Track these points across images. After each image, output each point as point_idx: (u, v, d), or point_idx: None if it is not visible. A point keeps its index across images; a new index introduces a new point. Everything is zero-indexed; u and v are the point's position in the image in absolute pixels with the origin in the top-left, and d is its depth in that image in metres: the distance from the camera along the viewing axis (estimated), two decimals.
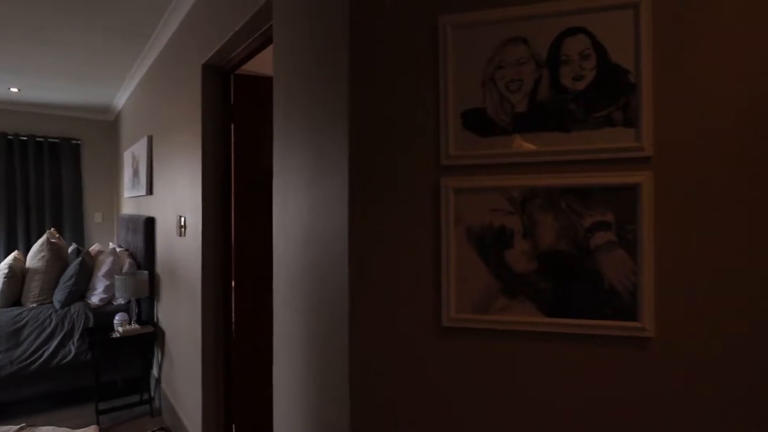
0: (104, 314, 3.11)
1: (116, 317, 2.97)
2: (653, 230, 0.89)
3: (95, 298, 3.16)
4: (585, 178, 0.94)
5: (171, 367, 2.83)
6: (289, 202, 1.39)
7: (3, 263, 3.05)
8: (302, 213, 1.30)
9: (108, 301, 3.22)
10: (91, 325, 3.00)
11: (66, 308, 3.01)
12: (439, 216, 1.01)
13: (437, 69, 1.01)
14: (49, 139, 5.05)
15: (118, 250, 3.67)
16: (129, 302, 3.11)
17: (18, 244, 4.83)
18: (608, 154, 0.92)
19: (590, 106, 0.93)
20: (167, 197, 2.85)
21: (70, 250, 3.78)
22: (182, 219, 2.49)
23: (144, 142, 3.40)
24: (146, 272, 3.07)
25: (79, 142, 5.25)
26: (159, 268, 3.13)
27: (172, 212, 2.75)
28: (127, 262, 3.28)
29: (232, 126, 2.23)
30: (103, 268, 3.19)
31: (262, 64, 2.68)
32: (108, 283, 3.18)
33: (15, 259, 3.22)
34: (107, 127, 5.46)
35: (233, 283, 2.26)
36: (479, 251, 1.00)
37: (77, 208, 5.23)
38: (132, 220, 3.72)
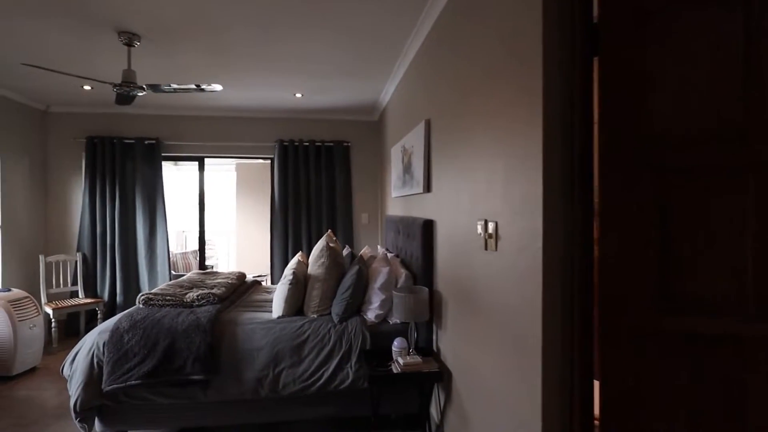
0: (380, 334, 2.63)
1: (395, 343, 2.42)
2: None
3: (371, 314, 2.72)
4: None
5: (462, 422, 2.09)
6: None
7: (288, 268, 2.92)
8: None
9: (383, 318, 2.75)
10: (367, 346, 2.55)
11: (344, 323, 2.64)
12: None
13: None
14: (326, 143, 5.25)
15: (389, 255, 3.24)
16: (407, 324, 2.53)
17: (303, 243, 5.15)
18: None
19: None
20: (457, 195, 2.13)
21: (345, 253, 3.57)
22: (489, 225, 1.68)
23: (420, 129, 2.82)
24: (426, 290, 2.44)
25: (349, 144, 5.32)
26: (441, 285, 2.46)
27: (465, 215, 1.99)
28: (402, 274, 2.75)
29: (596, 62, 1.26)
30: (379, 280, 2.73)
31: None
32: (384, 297, 2.70)
33: (298, 262, 3.10)
34: (372, 127, 5.41)
35: (596, 329, 1.29)
36: None
37: (348, 209, 5.31)
38: (403, 222, 3.24)
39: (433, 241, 2.59)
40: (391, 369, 2.34)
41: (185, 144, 5.14)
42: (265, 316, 2.78)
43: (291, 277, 2.78)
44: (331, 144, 5.26)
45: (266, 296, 3.40)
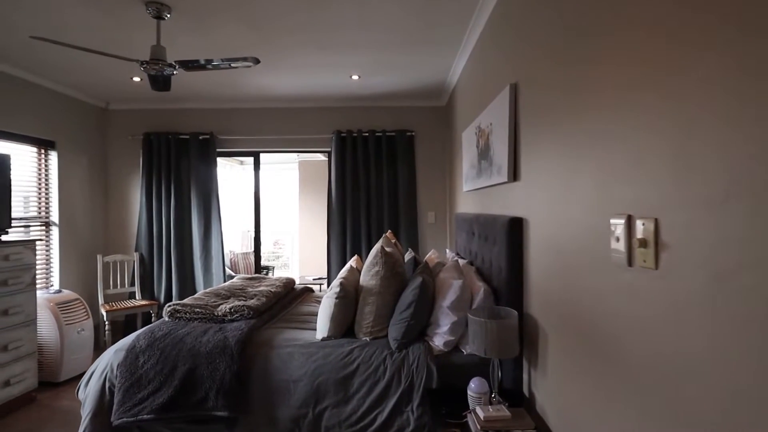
0: (450, 368, 2.01)
1: (471, 386, 1.78)
2: None
3: (438, 340, 2.10)
4: None
5: None
6: None
7: (337, 278, 2.38)
8: None
9: (454, 345, 2.12)
10: (434, 385, 1.94)
11: (403, 351, 2.05)
12: None
13: None
14: (387, 133, 4.69)
15: (461, 262, 2.60)
16: (489, 359, 1.88)
17: (362, 245, 4.64)
18: None
19: None
20: (565, 179, 1.45)
21: (407, 258, 2.99)
22: (638, 225, 1.00)
23: (502, 98, 2.15)
24: (515, 314, 1.77)
25: (413, 133, 4.72)
26: (536, 308, 1.79)
27: (582, 208, 1.31)
28: (480, 289, 2.10)
29: None
30: (449, 296, 2.11)
31: None
32: (456, 318, 2.07)
33: (350, 270, 2.56)
34: (439, 113, 4.76)
35: None
36: None
37: (412, 207, 4.70)
38: (478, 221, 2.58)
39: (524, 246, 1.92)
40: (467, 422, 1.71)
41: (240, 138, 4.84)
42: (307, 336, 2.26)
43: (338, 290, 2.23)
44: (393, 134, 4.69)
45: (315, 308, 2.90)
